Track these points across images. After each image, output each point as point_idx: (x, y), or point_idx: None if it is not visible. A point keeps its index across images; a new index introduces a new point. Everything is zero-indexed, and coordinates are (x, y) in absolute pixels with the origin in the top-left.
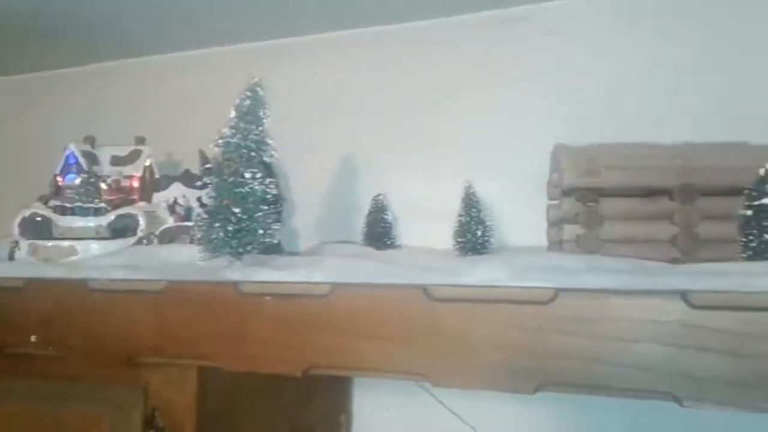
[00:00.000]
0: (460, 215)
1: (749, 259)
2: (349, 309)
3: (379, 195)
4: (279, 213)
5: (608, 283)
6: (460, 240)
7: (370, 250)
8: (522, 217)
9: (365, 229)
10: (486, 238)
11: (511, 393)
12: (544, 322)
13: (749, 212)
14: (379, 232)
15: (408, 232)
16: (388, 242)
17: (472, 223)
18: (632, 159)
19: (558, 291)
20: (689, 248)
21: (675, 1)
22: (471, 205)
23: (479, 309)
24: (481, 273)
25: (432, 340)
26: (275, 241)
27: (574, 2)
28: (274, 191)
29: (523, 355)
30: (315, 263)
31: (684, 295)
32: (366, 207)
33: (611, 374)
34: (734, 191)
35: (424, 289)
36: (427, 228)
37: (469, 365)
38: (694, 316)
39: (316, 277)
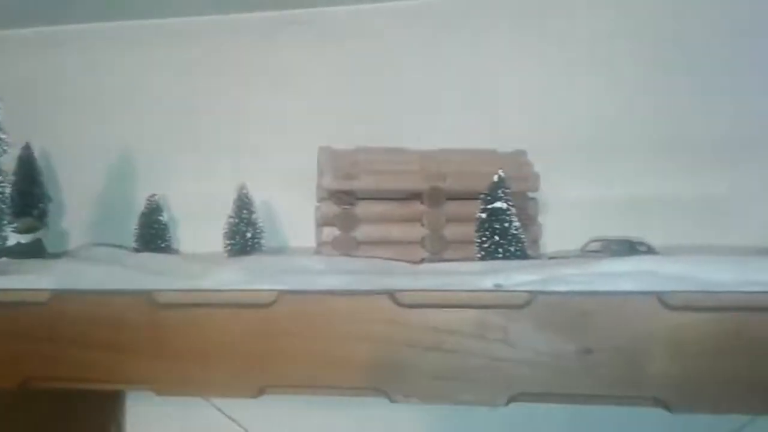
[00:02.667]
0: (231, 217)
1: (482, 258)
2: (71, 317)
3: (154, 195)
4: (34, 214)
5: (331, 284)
6: (229, 242)
7: (123, 253)
8: (301, 218)
9: (137, 230)
10: (256, 240)
11: (235, 398)
12: (267, 325)
13: (484, 215)
14: (152, 234)
15: (188, 234)
16: (163, 245)
17: (242, 224)
18: (389, 164)
19: (280, 293)
20: (436, 249)
21: (438, 9)
22: (243, 206)
23: (204, 313)
24: (220, 276)
25: (156, 348)
26: (9, 244)
27: (348, 9)
28: (8, 190)
29: (247, 359)
30: (43, 269)
31: (392, 295)
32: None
33: (331, 374)
34: (478, 196)
35: (148, 295)
36: (207, 230)
37: (193, 372)
38: (401, 314)
39: (42, 284)
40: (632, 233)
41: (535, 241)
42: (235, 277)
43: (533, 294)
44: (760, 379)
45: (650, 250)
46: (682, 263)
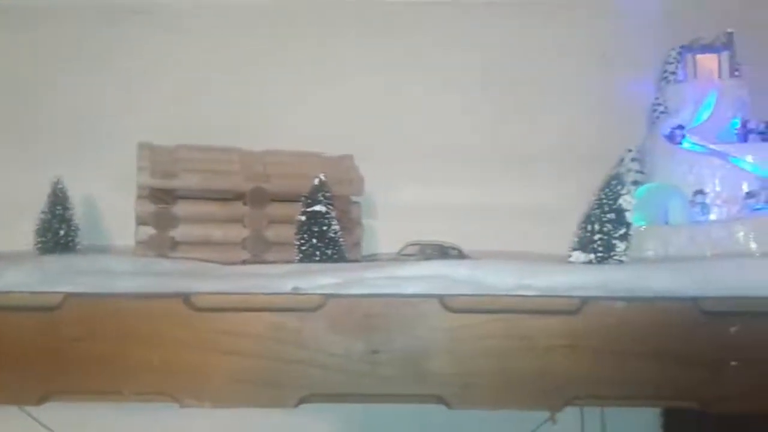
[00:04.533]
0: (43, 212)
1: (301, 260)
2: None
3: None
4: None
5: (126, 286)
6: (40, 239)
7: None
8: (125, 216)
9: None
10: (70, 238)
11: (15, 405)
12: (53, 329)
13: (303, 218)
14: None
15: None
16: None
17: (55, 221)
18: (211, 162)
19: (67, 296)
20: (258, 250)
21: (283, 11)
22: (57, 202)
23: None
24: (8, 277)
25: None
26: None
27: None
28: None
29: (29, 365)
30: None
31: (187, 298)
32: None
33: (118, 380)
34: (301, 198)
35: None
36: (19, 226)
37: None
38: (195, 318)
39: None
40: (458, 239)
41: (357, 244)
42: (24, 278)
43: (327, 297)
44: (533, 378)
45: (460, 255)
46: (469, 268)
